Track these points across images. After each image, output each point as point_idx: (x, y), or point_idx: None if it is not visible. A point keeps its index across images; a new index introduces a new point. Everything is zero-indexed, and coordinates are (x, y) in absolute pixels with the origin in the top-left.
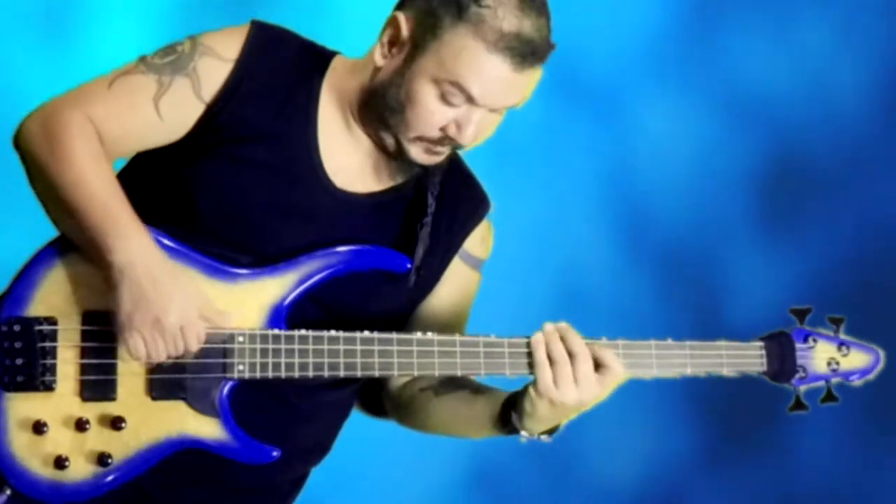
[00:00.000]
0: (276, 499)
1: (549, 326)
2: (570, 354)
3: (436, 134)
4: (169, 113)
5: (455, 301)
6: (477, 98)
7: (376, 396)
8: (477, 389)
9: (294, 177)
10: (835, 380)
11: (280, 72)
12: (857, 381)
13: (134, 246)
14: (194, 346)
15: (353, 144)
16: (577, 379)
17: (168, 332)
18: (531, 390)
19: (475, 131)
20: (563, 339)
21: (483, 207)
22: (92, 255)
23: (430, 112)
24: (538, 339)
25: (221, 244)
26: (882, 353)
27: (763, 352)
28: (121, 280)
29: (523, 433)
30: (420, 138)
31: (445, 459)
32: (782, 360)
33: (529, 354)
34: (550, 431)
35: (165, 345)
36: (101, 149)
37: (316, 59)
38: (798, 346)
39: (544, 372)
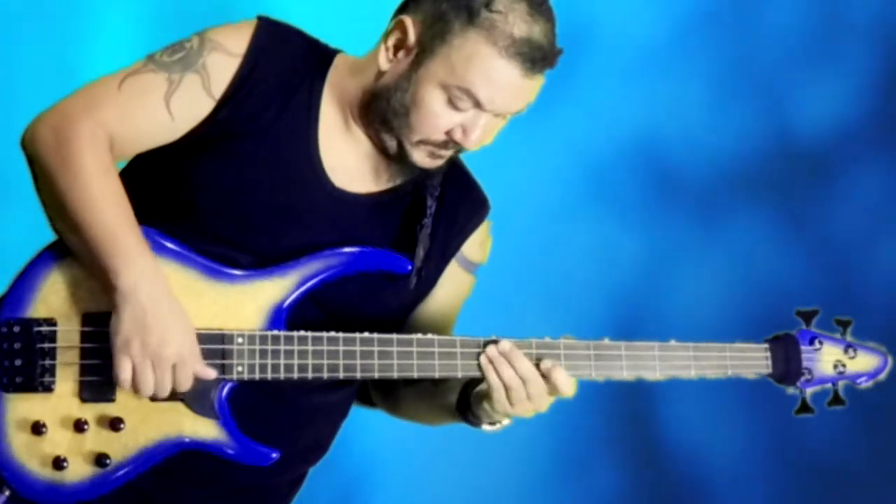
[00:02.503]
0: (275, 498)
1: (493, 352)
2: (521, 378)
3: (440, 138)
4: (180, 111)
5: (448, 304)
6: (485, 103)
7: (364, 386)
8: (437, 380)
9: (292, 175)
10: (841, 382)
11: (284, 69)
12: (864, 384)
13: (139, 272)
14: (183, 387)
15: (353, 144)
16: (531, 397)
17: (161, 366)
18: (486, 405)
19: (480, 136)
20: (510, 363)
21: (482, 211)
22: (93, 272)
23: (437, 116)
24: (486, 363)
25: (221, 242)
26: (890, 356)
27: (768, 353)
28: (123, 304)
29: (483, 427)
30: (424, 142)
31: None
32: (787, 362)
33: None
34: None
35: (154, 377)
36: (111, 160)
37: (319, 57)
38: (804, 348)
39: (499, 394)
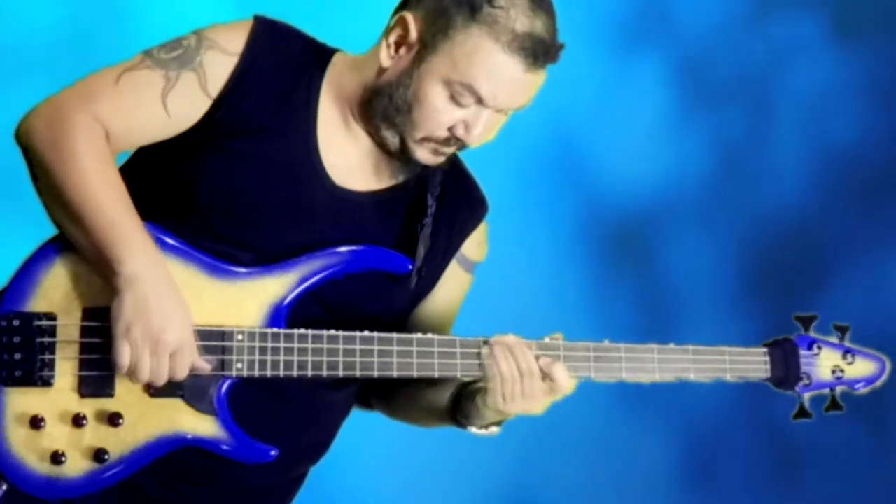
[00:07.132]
0: (275, 498)
1: (497, 342)
2: (520, 371)
3: (443, 134)
4: (176, 108)
5: (447, 304)
6: (487, 99)
7: (363, 388)
8: (432, 381)
9: (292, 173)
10: (839, 388)
11: (282, 67)
12: (862, 390)
13: (142, 259)
14: (180, 375)
15: (353, 142)
16: (525, 394)
17: (160, 353)
18: (478, 399)
19: (482, 132)
20: (512, 355)
21: (481, 210)
22: (94, 261)
23: (439, 112)
24: (488, 353)
25: (221, 240)
26: (888, 362)
27: (767, 358)
28: (126, 291)
29: (471, 429)
30: (427, 139)
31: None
32: (786, 366)
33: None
34: (499, 422)
35: (151, 364)
36: (108, 150)
37: (317, 56)
38: (802, 352)
39: (494, 386)
